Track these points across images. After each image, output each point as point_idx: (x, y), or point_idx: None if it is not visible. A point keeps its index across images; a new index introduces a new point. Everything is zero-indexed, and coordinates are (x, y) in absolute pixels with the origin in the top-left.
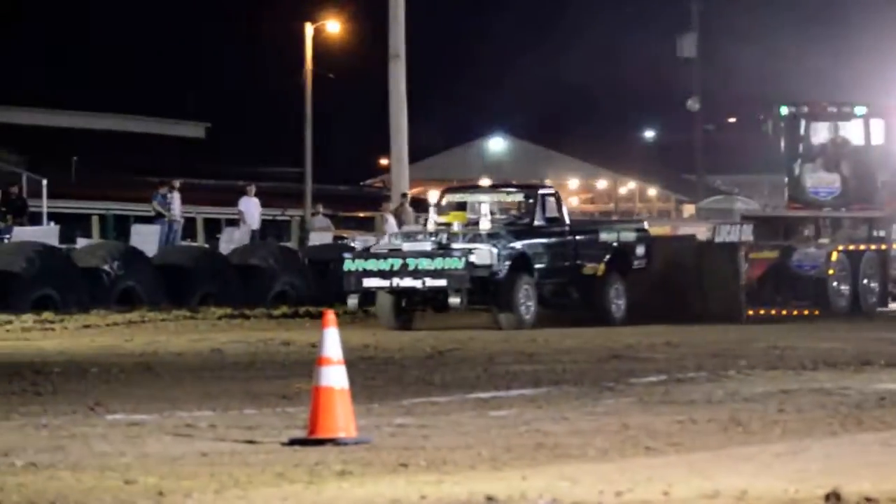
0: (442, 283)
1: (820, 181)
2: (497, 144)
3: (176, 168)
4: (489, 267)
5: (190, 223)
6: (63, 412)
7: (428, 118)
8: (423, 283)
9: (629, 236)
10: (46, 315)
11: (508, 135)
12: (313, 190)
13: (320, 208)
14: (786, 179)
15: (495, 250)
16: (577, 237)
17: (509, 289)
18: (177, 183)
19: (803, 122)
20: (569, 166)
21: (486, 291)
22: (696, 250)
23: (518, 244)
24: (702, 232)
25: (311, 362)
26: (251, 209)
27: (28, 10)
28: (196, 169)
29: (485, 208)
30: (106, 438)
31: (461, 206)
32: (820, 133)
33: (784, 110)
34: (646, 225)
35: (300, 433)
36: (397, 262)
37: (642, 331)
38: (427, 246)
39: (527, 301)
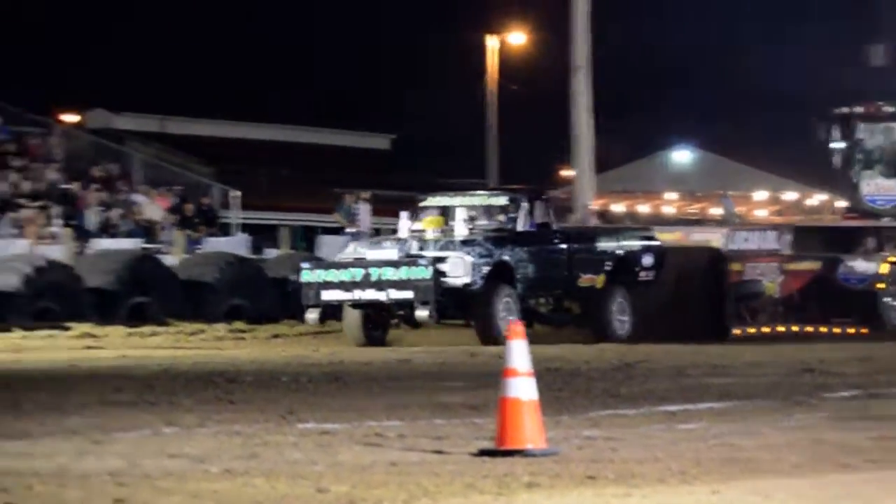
0: (408, 295)
1: (878, 188)
2: (682, 156)
3: (362, 179)
4: (461, 277)
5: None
6: (256, 420)
7: (611, 130)
8: (388, 295)
9: (634, 245)
10: (238, 324)
11: (694, 146)
12: None
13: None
14: (842, 187)
15: (469, 259)
16: (571, 245)
17: (486, 302)
18: (366, 194)
19: (859, 125)
20: (755, 178)
21: (462, 304)
22: (712, 259)
23: (497, 252)
24: (717, 239)
25: (497, 373)
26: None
27: (214, 22)
28: (382, 180)
29: (461, 213)
30: (298, 447)
31: (443, 212)
32: (877, 136)
33: (837, 112)
34: (654, 233)
35: (488, 444)
36: (359, 273)
37: (837, 346)
38: (392, 254)
39: (507, 315)
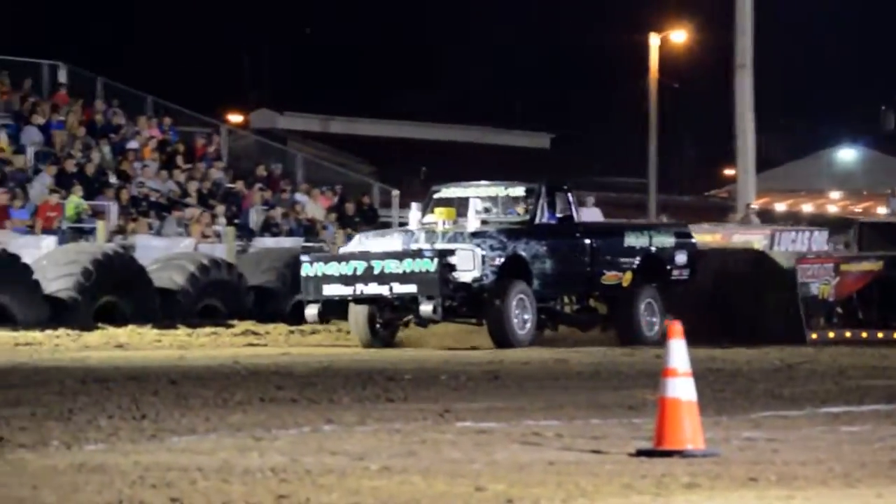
0: (411, 289)
1: None
2: (847, 155)
3: (521, 179)
4: (470, 271)
5: None
6: (414, 418)
7: (775, 128)
8: (391, 289)
9: (666, 241)
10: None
11: (859, 145)
12: (657, 200)
13: (664, 219)
14: None
15: (479, 252)
16: (594, 240)
17: (498, 299)
18: None
19: None
20: None
21: (472, 301)
22: (753, 261)
23: (511, 245)
24: (759, 240)
25: (656, 373)
26: (592, 219)
27: (377, 23)
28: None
29: (475, 204)
30: (456, 445)
31: (460, 203)
32: None
33: None
34: (689, 230)
35: (646, 444)
36: (361, 266)
37: None
38: (396, 246)
39: (522, 314)
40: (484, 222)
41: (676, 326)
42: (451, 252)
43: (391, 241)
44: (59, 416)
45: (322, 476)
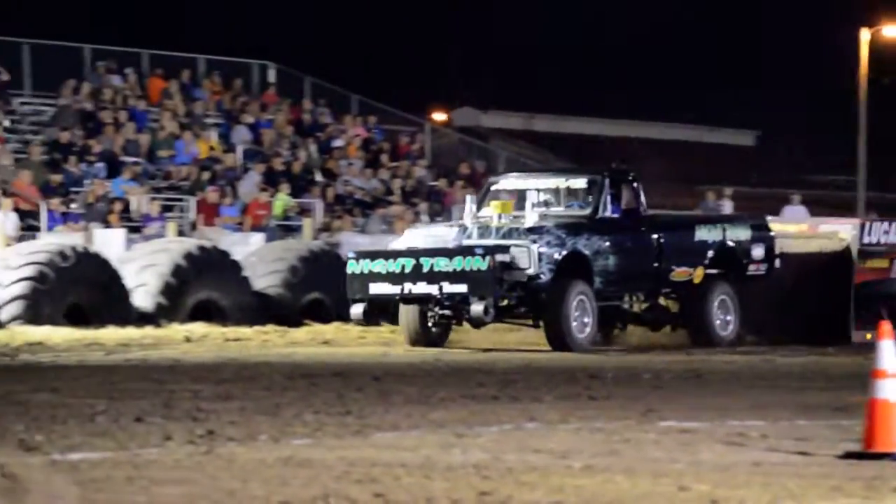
0: (462, 288)
1: None
2: None
3: (725, 176)
4: (526, 270)
5: None
6: (616, 417)
7: None
8: (440, 288)
9: (741, 234)
10: None
11: None
12: (865, 198)
13: (874, 217)
14: None
15: (534, 248)
16: (663, 234)
17: (555, 298)
18: (728, 191)
19: None
20: None
21: (528, 301)
22: (841, 255)
23: (570, 241)
24: (847, 230)
25: (863, 375)
26: (797, 218)
27: (577, 21)
28: (745, 177)
29: (533, 196)
30: (658, 444)
31: (519, 195)
32: None
33: None
34: (767, 221)
35: (855, 446)
36: (409, 263)
37: None
38: (447, 242)
39: (582, 315)
40: (543, 216)
41: (887, 327)
42: (506, 249)
43: (442, 237)
44: (266, 411)
45: (524, 473)
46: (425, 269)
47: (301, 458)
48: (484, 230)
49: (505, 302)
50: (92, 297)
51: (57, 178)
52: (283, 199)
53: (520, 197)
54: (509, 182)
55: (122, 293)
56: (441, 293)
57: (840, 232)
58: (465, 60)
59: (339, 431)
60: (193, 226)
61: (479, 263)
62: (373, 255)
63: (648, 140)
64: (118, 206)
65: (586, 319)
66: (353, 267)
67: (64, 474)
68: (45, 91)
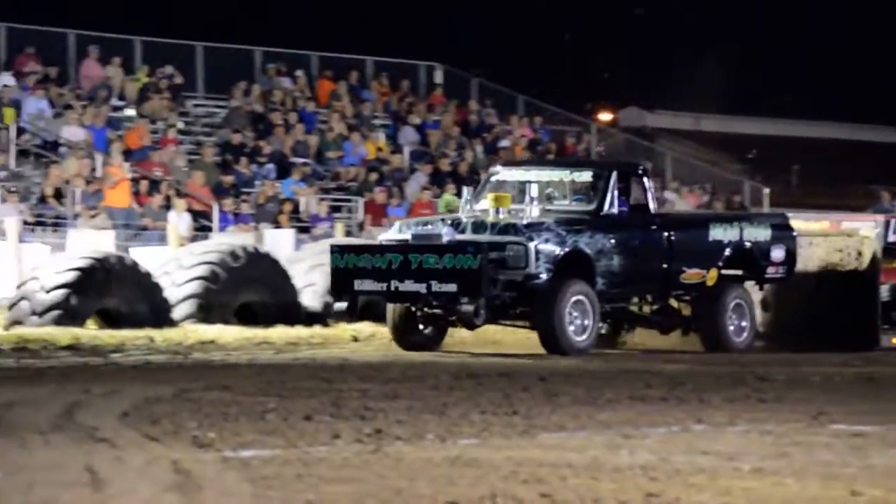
0: (452, 287)
1: None
2: None
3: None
4: (522, 269)
5: None
6: (786, 420)
7: None
8: (429, 287)
9: (760, 234)
10: None
11: None
12: None
13: None
14: None
15: (531, 246)
16: (673, 233)
17: (549, 298)
18: None
19: None
20: None
21: (525, 302)
22: (852, 252)
23: (571, 239)
24: (870, 227)
25: None
26: None
27: (747, 21)
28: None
29: (533, 190)
30: (829, 448)
31: (520, 188)
32: None
33: None
34: (788, 220)
35: None
36: (397, 259)
37: None
38: (438, 237)
39: (581, 317)
40: (544, 211)
41: None
42: (501, 246)
43: (433, 232)
44: (434, 410)
45: (692, 475)
46: (413, 266)
47: (468, 458)
48: (478, 225)
49: (497, 303)
50: (262, 297)
51: (228, 179)
52: (446, 199)
53: (521, 190)
54: (510, 173)
55: (291, 293)
56: (429, 292)
57: (862, 230)
58: (631, 59)
59: (505, 431)
60: (361, 226)
61: (470, 261)
62: (358, 250)
63: (817, 139)
64: (288, 207)
65: (586, 322)
66: (336, 261)
67: (236, 471)
68: (217, 93)
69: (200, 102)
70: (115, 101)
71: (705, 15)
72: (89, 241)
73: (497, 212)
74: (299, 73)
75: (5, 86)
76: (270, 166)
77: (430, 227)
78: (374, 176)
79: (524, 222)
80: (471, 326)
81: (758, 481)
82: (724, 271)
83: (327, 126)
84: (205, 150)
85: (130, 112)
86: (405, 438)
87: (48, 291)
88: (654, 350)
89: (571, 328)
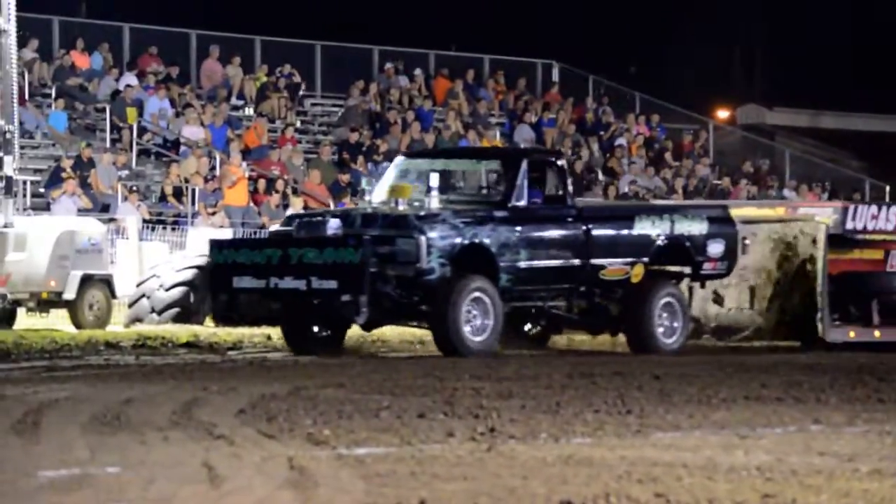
0: (332, 284)
1: None
2: None
3: None
4: (413, 264)
5: None
6: None
7: None
8: (309, 283)
9: (694, 227)
10: None
11: None
12: None
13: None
14: None
15: (422, 239)
16: (592, 226)
17: (447, 296)
18: None
19: None
20: None
21: (417, 299)
22: (814, 245)
23: (469, 232)
24: (827, 214)
25: None
26: None
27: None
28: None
29: (433, 180)
30: None
31: (429, 178)
32: None
33: None
34: (728, 213)
35: None
36: (276, 255)
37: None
38: (323, 231)
39: (481, 316)
40: (447, 203)
41: None
42: (390, 239)
43: (319, 225)
44: (547, 409)
45: (809, 476)
46: (293, 261)
47: (581, 457)
48: (369, 218)
49: (385, 302)
50: None
51: (345, 177)
52: None
53: (421, 179)
54: (416, 162)
55: None
56: (309, 289)
57: (818, 216)
58: (749, 57)
59: (619, 430)
60: None
61: (350, 255)
62: (237, 245)
63: None
64: None
65: (487, 322)
66: (215, 257)
67: (350, 468)
68: (335, 92)
69: (318, 101)
70: (234, 101)
71: (825, 12)
72: (208, 240)
73: (395, 203)
74: (416, 71)
75: (128, 86)
76: (387, 164)
77: (318, 219)
78: None
79: (418, 214)
80: (368, 328)
81: (877, 483)
82: (653, 267)
83: (443, 124)
84: (322, 149)
85: (249, 111)
86: (519, 437)
87: (167, 289)
88: (577, 351)
89: (468, 328)
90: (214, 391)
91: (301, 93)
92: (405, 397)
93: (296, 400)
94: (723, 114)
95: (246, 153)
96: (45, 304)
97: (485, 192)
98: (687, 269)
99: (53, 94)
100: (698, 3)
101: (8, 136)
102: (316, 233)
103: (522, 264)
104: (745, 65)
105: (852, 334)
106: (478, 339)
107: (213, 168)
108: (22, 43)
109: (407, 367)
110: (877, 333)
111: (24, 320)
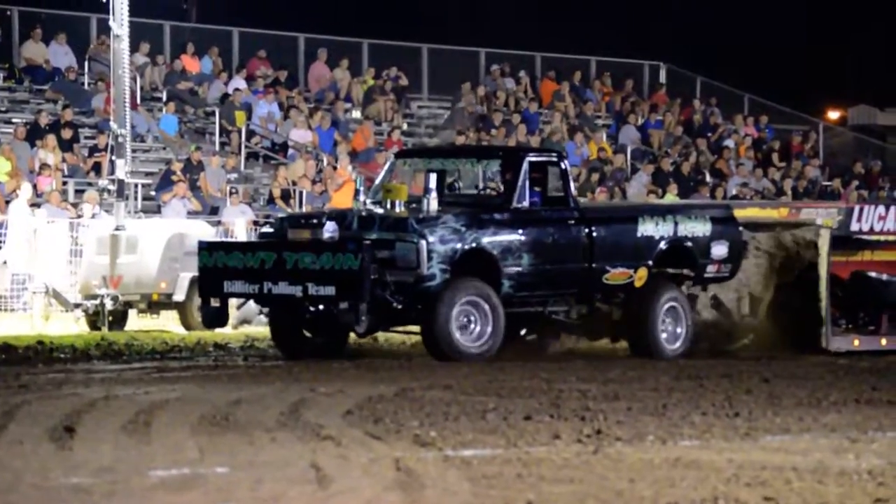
0: (330, 290)
1: None
2: None
3: None
4: (413, 269)
5: None
6: None
7: None
8: (305, 289)
9: (698, 229)
10: None
11: None
12: None
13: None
14: None
15: (423, 243)
16: (595, 228)
17: (435, 299)
18: None
19: None
20: None
21: (416, 306)
22: (816, 250)
23: (471, 236)
24: (832, 216)
25: None
26: None
27: None
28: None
29: (432, 181)
30: None
31: (426, 178)
32: None
33: None
34: (731, 213)
35: None
36: (270, 258)
37: None
38: (319, 234)
39: (482, 324)
40: (447, 205)
41: None
42: (390, 244)
43: (314, 228)
44: (654, 412)
45: None
46: (289, 266)
47: (689, 460)
48: (367, 220)
49: (389, 307)
50: None
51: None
52: (668, 199)
53: (427, 180)
54: (413, 162)
55: None
56: (306, 295)
57: (824, 218)
58: (861, 57)
59: (727, 433)
60: None
61: (350, 261)
62: (228, 247)
63: None
64: None
65: (486, 328)
66: (204, 259)
67: (457, 470)
68: (441, 94)
69: (424, 104)
70: (342, 104)
71: None
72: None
73: (391, 205)
74: (522, 73)
75: (237, 89)
76: None
77: (313, 221)
78: (595, 176)
79: (417, 217)
80: (364, 335)
81: None
82: (656, 270)
83: (549, 127)
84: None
85: (356, 114)
86: (625, 439)
87: None
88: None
89: (462, 333)
90: (322, 392)
91: (407, 95)
92: (511, 399)
93: (402, 401)
94: (833, 114)
95: (353, 156)
96: (156, 305)
97: (484, 193)
98: (691, 272)
99: (164, 98)
100: (809, 3)
101: (120, 139)
102: (311, 236)
103: (525, 269)
104: (857, 65)
105: (856, 343)
106: (473, 344)
107: (320, 171)
108: (134, 47)
109: (513, 369)
110: (883, 341)
111: (136, 321)
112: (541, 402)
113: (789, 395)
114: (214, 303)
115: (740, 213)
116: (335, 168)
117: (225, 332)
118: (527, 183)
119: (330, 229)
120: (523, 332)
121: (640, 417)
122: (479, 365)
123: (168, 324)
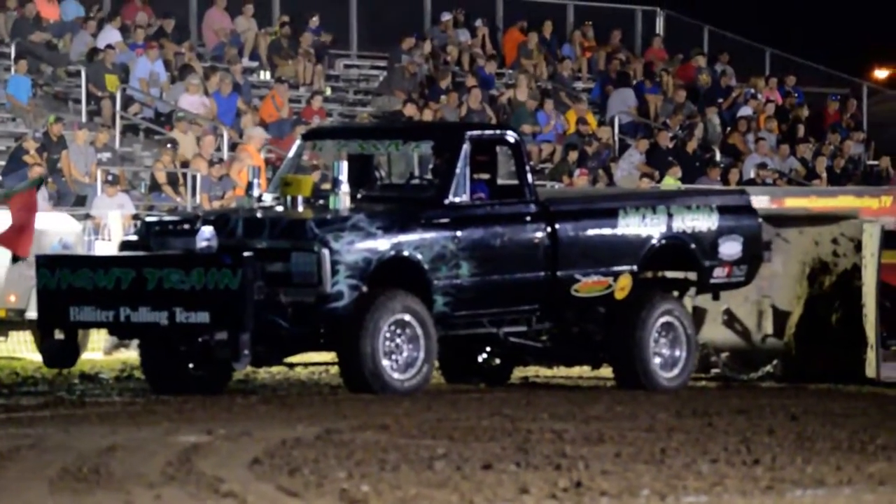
0: (203, 317)
1: None
2: None
3: None
4: (314, 287)
5: None
6: None
7: None
8: (172, 315)
9: (700, 222)
10: None
11: None
12: None
13: None
14: None
15: (325, 253)
16: (559, 225)
17: (352, 322)
18: None
19: None
20: None
21: (322, 332)
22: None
23: (391, 241)
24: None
25: None
26: None
27: None
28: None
29: (342, 170)
30: None
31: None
32: None
33: None
34: (747, 200)
35: None
36: (128, 276)
37: None
38: (190, 244)
39: (409, 348)
40: (361, 201)
41: None
42: (283, 254)
43: (185, 235)
44: (649, 458)
45: None
46: (151, 287)
47: None
48: (255, 224)
49: (283, 335)
50: None
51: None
52: (669, 185)
53: (336, 169)
54: (325, 144)
55: None
56: (173, 323)
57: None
58: None
59: (744, 486)
60: None
61: (227, 279)
62: (74, 263)
63: None
64: None
65: (418, 354)
66: (44, 280)
67: None
68: (375, 50)
69: (353, 62)
70: (245, 62)
71: None
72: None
73: (292, 203)
74: (479, 23)
75: (109, 46)
76: None
77: (184, 226)
78: (573, 155)
79: (319, 218)
80: (256, 364)
81: None
82: (644, 276)
83: (513, 92)
84: (361, 118)
85: (265, 76)
86: (613, 494)
87: None
88: (547, 385)
89: (387, 362)
90: (221, 435)
91: (332, 51)
92: (466, 443)
93: (326, 446)
94: (881, 74)
95: (262, 129)
96: (3, 324)
97: (414, 184)
98: (693, 277)
99: (13, 54)
100: None
101: None
102: (181, 246)
103: (464, 281)
104: None
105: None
106: (402, 375)
107: (218, 149)
108: None
109: (468, 404)
110: None
111: None
112: (504, 446)
113: (824, 437)
114: (59, 335)
115: (760, 203)
116: (238, 145)
117: (95, 359)
118: (466, 170)
119: (205, 237)
120: (481, 358)
121: (632, 466)
122: (424, 399)
123: (19, 348)
